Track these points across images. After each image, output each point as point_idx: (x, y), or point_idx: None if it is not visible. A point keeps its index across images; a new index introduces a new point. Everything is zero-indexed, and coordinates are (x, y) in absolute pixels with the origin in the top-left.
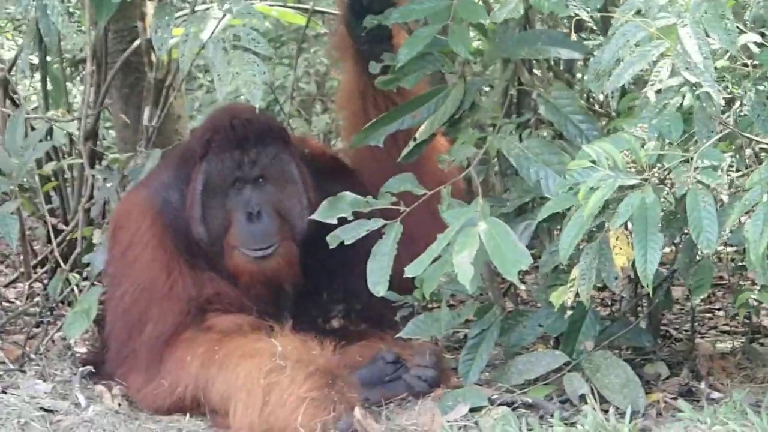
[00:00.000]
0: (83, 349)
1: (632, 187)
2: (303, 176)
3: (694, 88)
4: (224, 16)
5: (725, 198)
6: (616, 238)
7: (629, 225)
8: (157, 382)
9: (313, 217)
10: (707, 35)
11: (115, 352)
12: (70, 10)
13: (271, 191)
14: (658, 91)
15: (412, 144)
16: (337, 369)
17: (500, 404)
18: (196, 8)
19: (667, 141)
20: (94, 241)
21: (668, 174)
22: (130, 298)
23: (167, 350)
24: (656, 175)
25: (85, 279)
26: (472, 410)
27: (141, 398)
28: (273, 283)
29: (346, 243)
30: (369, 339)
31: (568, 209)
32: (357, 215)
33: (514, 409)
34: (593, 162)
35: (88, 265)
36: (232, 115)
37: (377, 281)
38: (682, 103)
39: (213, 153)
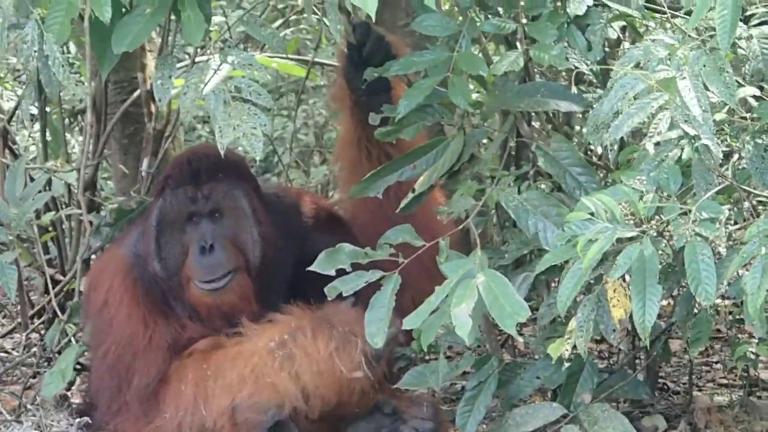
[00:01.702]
0: (79, 400)
1: (630, 239)
2: (255, 211)
3: (692, 140)
4: (220, 64)
5: (723, 251)
6: (614, 291)
7: (627, 277)
8: (159, 419)
9: (312, 268)
10: (706, 88)
11: (105, 406)
12: (70, 61)
13: (226, 225)
14: (657, 144)
15: (411, 195)
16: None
17: None
18: (197, 59)
19: (665, 193)
20: (82, 289)
21: (666, 226)
22: (113, 355)
23: (161, 388)
24: (654, 227)
25: (81, 330)
26: None
27: None
28: (230, 315)
29: (345, 294)
30: (365, 390)
31: (567, 261)
32: (355, 267)
33: None
34: (591, 214)
35: None
36: (190, 152)
37: (375, 333)
38: (681, 155)
39: (169, 188)
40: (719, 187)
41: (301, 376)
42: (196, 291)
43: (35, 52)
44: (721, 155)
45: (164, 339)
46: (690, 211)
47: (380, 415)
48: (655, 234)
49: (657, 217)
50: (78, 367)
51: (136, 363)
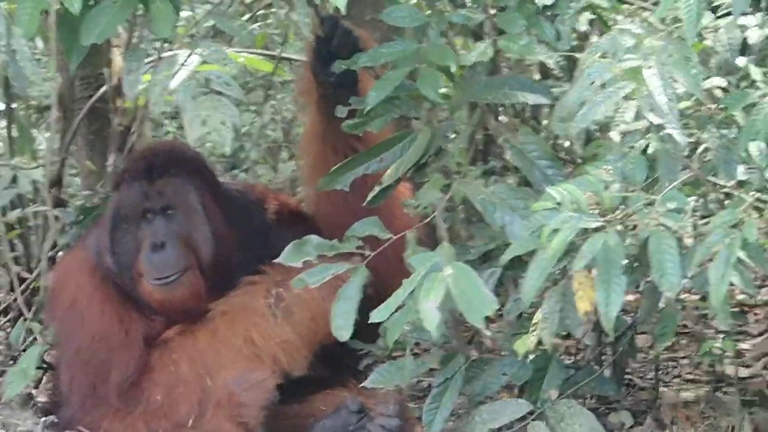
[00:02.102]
0: (45, 399)
1: (596, 229)
2: (207, 208)
3: (658, 130)
4: (189, 55)
5: (689, 241)
6: (579, 282)
7: (594, 271)
8: (143, 406)
9: (278, 260)
10: (672, 79)
11: (79, 403)
12: (37, 56)
13: (179, 221)
14: (623, 134)
15: (377, 188)
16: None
17: None
18: (164, 54)
19: (631, 184)
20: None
21: (631, 216)
22: (87, 352)
23: (143, 378)
24: (619, 217)
25: (46, 328)
26: None
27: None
28: (182, 310)
29: (311, 287)
30: (333, 388)
31: (532, 254)
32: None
33: None
34: (558, 204)
35: None
36: (147, 148)
37: (342, 325)
38: (647, 146)
39: (124, 183)
40: (684, 178)
41: (302, 324)
42: (147, 287)
43: (3, 46)
44: (686, 144)
45: (139, 332)
46: (655, 201)
47: (347, 413)
48: (620, 225)
49: (622, 206)
50: (44, 365)
51: (113, 358)
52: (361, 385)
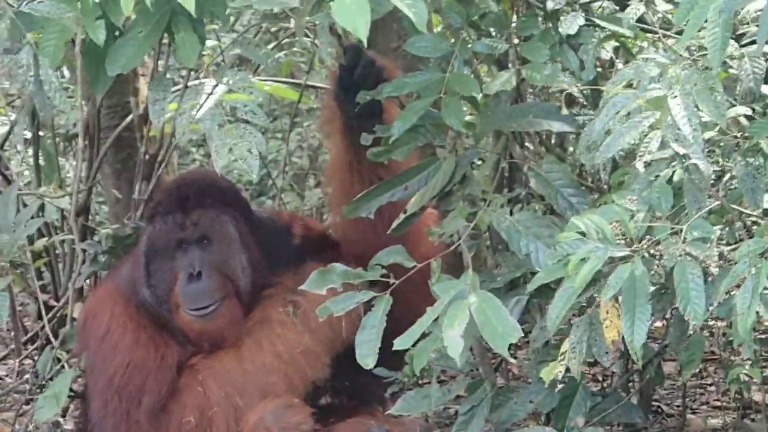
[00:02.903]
0: (71, 426)
1: (622, 259)
2: (243, 236)
3: (683, 160)
4: (216, 85)
5: (715, 270)
6: (607, 312)
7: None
8: (181, 425)
9: (303, 287)
10: (697, 108)
11: (111, 431)
12: (64, 85)
13: (215, 251)
14: (648, 164)
15: (402, 216)
16: None
17: None
18: (190, 83)
19: (657, 213)
20: (75, 316)
21: (657, 246)
22: (121, 378)
23: (170, 401)
24: (645, 247)
25: (73, 356)
26: None
27: None
28: (219, 339)
29: (336, 315)
30: (359, 416)
31: (558, 282)
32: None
33: None
34: (582, 234)
35: None
36: (179, 179)
37: (366, 353)
38: (672, 175)
39: (158, 216)
40: (710, 207)
41: (320, 330)
42: (185, 317)
43: (30, 77)
44: (711, 174)
45: (174, 359)
46: (681, 230)
47: None
48: (646, 254)
49: (648, 236)
50: (71, 393)
51: (147, 384)
52: (387, 412)
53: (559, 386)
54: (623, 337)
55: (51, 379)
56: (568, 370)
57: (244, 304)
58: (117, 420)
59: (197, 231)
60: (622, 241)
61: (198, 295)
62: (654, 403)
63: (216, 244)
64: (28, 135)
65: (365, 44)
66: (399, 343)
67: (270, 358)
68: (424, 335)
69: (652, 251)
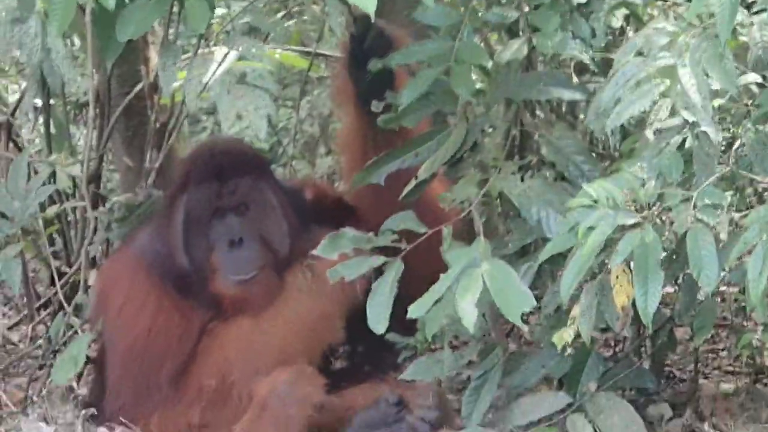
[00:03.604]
0: (85, 392)
1: (633, 226)
2: (282, 203)
3: (692, 127)
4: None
5: (725, 237)
6: (617, 277)
7: (632, 264)
8: (193, 392)
9: (315, 252)
10: (707, 75)
11: (130, 395)
12: (74, 54)
13: (253, 218)
14: (658, 131)
15: (413, 182)
16: None
17: None
18: (199, 51)
19: (668, 180)
20: (90, 283)
21: (668, 213)
22: (143, 344)
23: (192, 365)
24: (656, 213)
25: (86, 322)
26: None
27: (176, 418)
28: (253, 308)
29: (347, 279)
30: (371, 381)
31: (570, 249)
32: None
33: None
34: (594, 201)
35: None
36: (210, 148)
37: (377, 319)
38: (682, 143)
39: (193, 185)
40: (720, 173)
41: (334, 292)
42: (223, 284)
43: (38, 45)
44: (721, 141)
45: (197, 324)
46: (692, 197)
47: (386, 405)
48: (656, 220)
49: (658, 203)
50: (86, 359)
51: (169, 348)
52: (400, 377)
53: (569, 351)
54: (634, 302)
55: (64, 344)
56: (578, 335)
57: (282, 270)
58: (137, 384)
59: (235, 198)
60: (633, 209)
61: (240, 263)
62: (666, 368)
63: (254, 211)
64: (39, 103)
65: (373, 19)
66: (413, 311)
67: (288, 323)
68: (436, 302)
69: (662, 218)
